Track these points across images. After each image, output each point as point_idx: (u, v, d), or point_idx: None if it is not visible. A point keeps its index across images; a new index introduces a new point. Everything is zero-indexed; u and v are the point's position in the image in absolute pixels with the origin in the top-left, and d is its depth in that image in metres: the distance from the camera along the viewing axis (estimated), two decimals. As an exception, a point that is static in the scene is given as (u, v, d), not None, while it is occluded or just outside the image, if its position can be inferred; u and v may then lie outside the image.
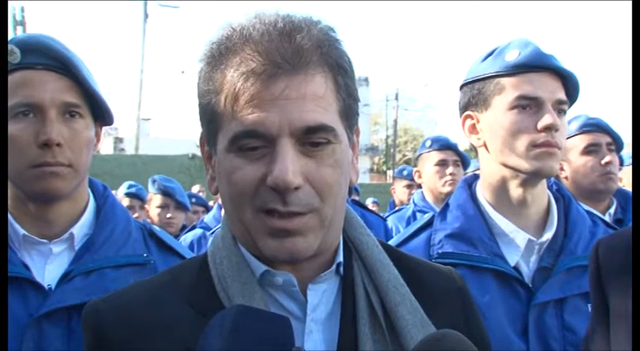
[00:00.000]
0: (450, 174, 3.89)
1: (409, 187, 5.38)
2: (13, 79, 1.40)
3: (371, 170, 48.07)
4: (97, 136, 1.53)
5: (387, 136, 52.60)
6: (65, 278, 1.43)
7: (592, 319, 1.24)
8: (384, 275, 1.03)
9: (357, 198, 6.19)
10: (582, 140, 2.76)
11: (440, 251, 1.63)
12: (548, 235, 1.62)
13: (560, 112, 1.60)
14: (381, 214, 4.26)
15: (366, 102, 42.48)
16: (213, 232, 3.88)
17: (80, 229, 1.50)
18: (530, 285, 1.59)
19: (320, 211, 0.94)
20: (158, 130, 47.35)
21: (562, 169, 2.76)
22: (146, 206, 4.60)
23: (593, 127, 2.77)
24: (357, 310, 1.00)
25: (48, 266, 1.46)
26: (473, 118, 1.69)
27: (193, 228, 4.48)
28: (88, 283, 1.43)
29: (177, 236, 4.21)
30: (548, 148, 1.56)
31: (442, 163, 3.92)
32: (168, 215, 4.46)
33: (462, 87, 1.74)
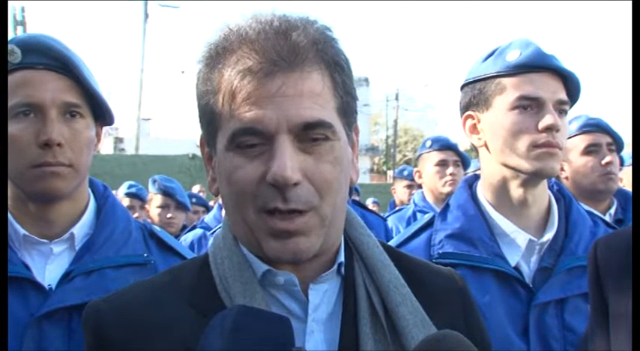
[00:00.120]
0: (451, 174, 3.89)
1: (410, 187, 5.38)
2: (13, 79, 1.40)
3: (371, 170, 48.06)
4: (98, 136, 1.53)
5: (388, 137, 52.64)
6: (66, 278, 1.43)
7: (591, 319, 1.24)
8: (385, 276, 1.03)
9: (357, 198, 6.19)
10: (583, 140, 2.76)
11: (440, 251, 1.63)
12: (548, 236, 1.62)
13: (561, 113, 1.60)
14: (382, 214, 4.26)
15: (366, 102, 42.47)
16: (213, 232, 3.88)
17: (81, 229, 1.50)
18: (531, 285, 1.59)
19: (319, 210, 0.94)
20: (158, 130, 47.34)
21: (562, 169, 2.76)
22: (146, 206, 4.60)
23: (594, 127, 2.77)
24: (358, 311, 1.00)
25: (48, 266, 1.46)
26: (474, 118, 1.69)
27: (194, 228, 4.48)
28: (89, 283, 1.43)
29: (177, 236, 4.21)
30: (549, 149, 1.56)
31: (442, 164, 3.92)
32: (169, 215, 4.47)
33: (462, 87, 1.74)
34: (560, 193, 1.74)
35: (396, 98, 47.98)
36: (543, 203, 1.67)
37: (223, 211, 4.69)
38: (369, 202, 10.63)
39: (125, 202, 4.45)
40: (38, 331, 1.37)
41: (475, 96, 1.67)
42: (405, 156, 51.42)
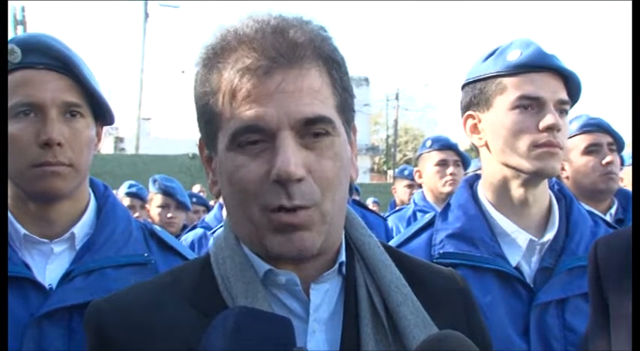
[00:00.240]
0: (451, 174, 3.89)
1: (410, 186, 5.38)
2: (13, 78, 1.40)
3: (371, 170, 48.06)
4: (98, 135, 1.53)
5: (388, 136, 52.64)
6: (66, 278, 1.43)
7: (591, 319, 1.24)
8: (387, 276, 1.03)
9: (357, 198, 6.19)
10: (583, 140, 2.76)
11: (441, 251, 1.63)
12: (549, 236, 1.62)
13: (562, 112, 1.60)
14: (382, 214, 4.26)
15: (367, 102, 42.47)
16: (214, 232, 3.88)
17: (81, 229, 1.50)
18: (532, 285, 1.59)
19: (320, 206, 0.94)
20: (158, 130, 47.32)
21: (563, 169, 2.76)
22: (147, 206, 4.60)
23: (594, 127, 2.77)
24: (359, 311, 1.00)
25: (49, 266, 1.45)
26: (474, 118, 1.69)
27: (194, 228, 4.48)
28: (89, 282, 1.43)
29: (178, 236, 4.21)
30: (550, 148, 1.56)
31: (442, 163, 3.92)
32: (169, 215, 4.46)
33: (463, 87, 1.74)
34: (560, 193, 1.73)
35: (397, 98, 47.96)
36: (544, 203, 1.67)
37: (224, 211, 4.70)
38: (370, 202, 10.62)
39: (125, 201, 4.45)
40: (38, 331, 1.37)
41: (476, 96, 1.67)
42: (405, 156, 51.42)
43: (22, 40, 1.45)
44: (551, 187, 1.73)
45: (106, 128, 1.61)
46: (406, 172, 5.56)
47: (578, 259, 1.58)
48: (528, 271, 1.61)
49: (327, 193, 0.94)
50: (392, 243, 1.68)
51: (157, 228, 1.66)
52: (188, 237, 4.05)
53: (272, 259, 0.98)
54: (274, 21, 0.95)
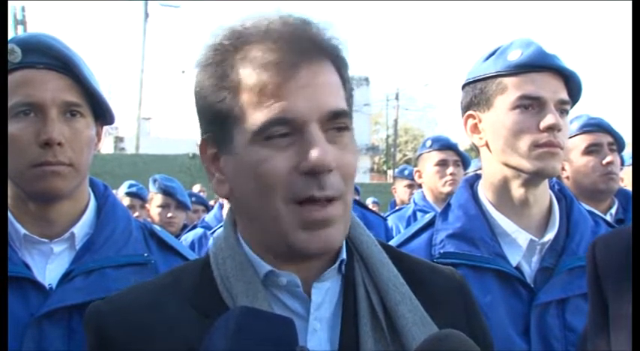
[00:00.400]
0: (451, 174, 3.89)
1: (410, 186, 5.38)
2: (13, 78, 1.40)
3: (371, 170, 48.05)
4: (98, 135, 1.53)
5: (388, 136, 52.63)
6: (66, 278, 1.43)
7: (590, 318, 1.23)
8: (384, 274, 1.03)
9: (357, 197, 6.19)
10: (583, 140, 2.76)
11: (441, 251, 1.63)
12: (550, 236, 1.62)
13: (563, 112, 1.60)
14: (382, 214, 4.26)
15: (367, 102, 42.46)
16: (213, 232, 3.88)
17: (81, 229, 1.49)
18: (532, 285, 1.59)
19: (344, 198, 0.96)
20: (159, 130, 47.32)
21: (563, 169, 2.76)
22: (147, 206, 4.60)
23: (595, 127, 2.77)
24: (358, 309, 1.00)
25: (49, 266, 1.45)
26: (475, 118, 1.68)
27: (194, 227, 4.48)
28: (89, 282, 1.43)
29: (178, 236, 4.21)
30: (551, 148, 1.56)
31: (442, 163, 3.92)
32: (169, 215, 4.46)
33: (464, 87, 1.73)
34: (561, 193, 1.73)
35: (397, 98, 47.94)
36: (544, 203, 1.67)
37: (224, 211, 4.72)
38: (369, 202, 10.61)
39: (126, 201, 4.45)
40: (38, 331, 1.37)
41: (476, 96, 1.67)
42: (405, 156, 51.38)
43: (22, 39, 1.45)
44: (552, 187, 1.73)
45: (106, 128, 1.61)
46: (406, 172, 5.56)
47: (578, 259, 1.58)
48: (529, 271, 1.61)
49: (349, 186, 0.96)
50: (392, 243, 1.68)
51: (157, 228, 1.66)
52: (188, 237, 4.06)
53: (273, 260, 0.98)
54: (292, 19, 0.97)
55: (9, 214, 1.44)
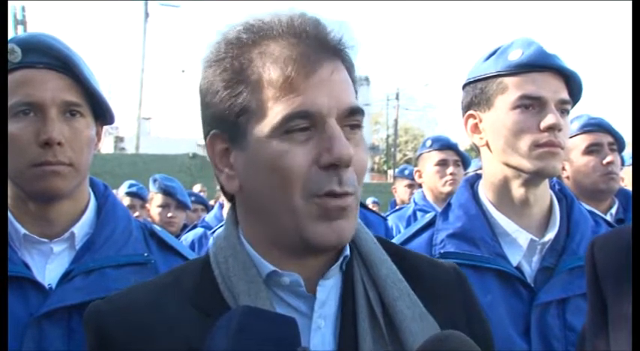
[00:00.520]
0: (451, 174, 3.89)
1: (410, 186, 5.38)
2: (13, 78, 1.40)
3: (371, 170, 48.05)
4: (98, 135, 1.53)
5: (388, 136, 52.64)
6: (66, 278, 1.43)
7: (589, 318, 1.23)
8: (383, 271, 1.04)
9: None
10: (584, 140, 2.76)
11: (442, 251, 1.63)
12: (550, 235, 1.62)
13: (563, 112, 1.60)
14: (382, 214, 4.25)
15: (367, 101, 42.47)
16: (214, 232, 3.87)
17: (81, 229, 1.49)
18: (533, 285, 1.58)
19: (357, 194, 0.97)
20: (159, 130, 47.33)
21: (563, 168, 2.76)
22: (147, 205, 4.60)
23: (595, 126, 2.77)
24: (356, 306, 1.01)
25: (48, 265, 1.45)
26: (475, 118, 1.68)
27: (194, 227, 4.48)
28: (89, 282, 1.42)
29: (178, 235, 4.21)
30: (551, 148, 1.56)
31: (442, 163, 3.92)
32: (169, 214, 4.46)
33: (464, 86, 1.73)
34: (561, 193, 1.73)
35: (397, 97, 47.93)
36: (545, 203, 1.67)
37: (224, 211, 4.69)
38: (369, 202, 10.59)
39: (126, 201, 4.45)
40: (38, 331, 1.36)
41: (477, 95, 1.67)
42: (405, 155, 51.40)
43: (22, 39, 1.45)
44: (552, 187, 1.73)
45: (106, 128, 1.61)
46: (406, 172, 5.56)
47: (579, 258, 1.58)
48: (529, 270, 1.61)
49: (360, 183, 0.98)
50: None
51: (157, 228, 1.66)
52: (188, 236, 4.06)
53: (276, 260, 0.98)
54: (309, 17, 0.98)
55: (9, 213, 1.44)
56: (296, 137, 0.94)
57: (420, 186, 4.33)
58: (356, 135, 0.97)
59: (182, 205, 4.56)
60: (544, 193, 1.66)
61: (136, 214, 4.38)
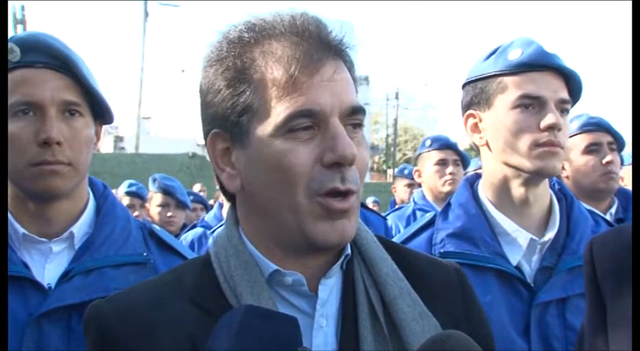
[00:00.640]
0: (450, 173, 3.89)
1: (410, 186, 5.38)
2: (12, 77, 1.39)
3: (371, 169, 48.05)
4: (97, 134, 1.53)
5: (388, 135, 52.62)
6: (65, 277, 1.43)
7: (587, 317, 1.23)
8: (383, 269, 1.04)
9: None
10: (583, 139, 2.76)
11: (442, 250, 1.63)
12: (550, 235, 1.62)
13: (563, 112, 1.60)
14: (382, 214, 4.25)
15: (367, 101, 42.43)
16: (213, 231, 3.87)
17: (80, 228, 1.49)
18: (532, 284, 1.58)
19: (359, 192, 0.97)
20: (158, 129, 47.32)
21: (563, 168, 2.76)
22: (146, 205, 4.60)
23: (595, 126, 2.77)
24: (357, 305, 1.01)
25: (48, 265, 1.45)
26: (475, 117, 1.68)
27: (194, 227, 4.47)
28: (88, 282, 1.42)
29: (177, 235, 4.21)
30: (551, 148, 1.56)
31: (442, 163, 3.92)
32: (169, 214, 4.46)
33: (464, 86, 1.73)
34: (561, 193, 1.73)
35: (396, 97, 47.93)
36: (545, 202, 1.67)
37: (223, 210, 4.69)
38: (370, 202, 10.59)
39: (125, 200, 4.45)
40: (37, 331, 1.36)
41: (476, 95, 1.67)
42: (405, 155, 51.41)
43: (21, 39, 1.45)
44: (552, 187, 1.73)
45: (105, 127, 1.61)
46: (406, 172, 5.56)
47: (578, 258, 1.57)
48: (529, 270, 1.61)
49: (362, 181, 0.98)
50: (392, 242, 1.68)
51: (157, 227, 1.66)
52: (188, 236, 4.05)
53: (278, 260, 0.98)
54: (310, 16, 0.99)
55: (8, 213, 1.44)
56: (299, 136, 0.94)
57: (419, 185, 4.33)
58: (358, 134, 0.98)
59: (182, 205, 4.55)
60: (544, 192, 1.66)
61: (136, 213, 4.38)
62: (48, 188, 1.40)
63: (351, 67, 1.01)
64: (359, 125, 0.99)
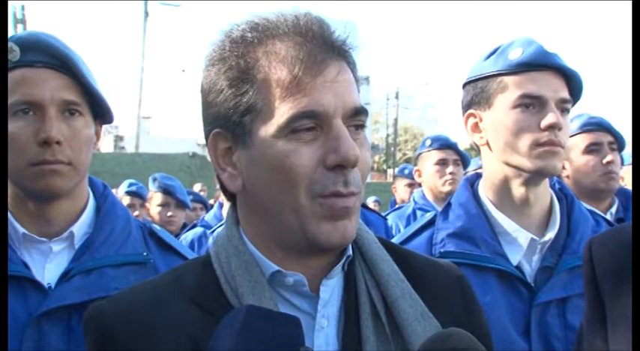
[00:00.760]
0: (450, 173, 3.89)
1: (410, 185, 5.38)
2: (12, 77, 1.39)
3: (371, 169, 48.00)
4: (97, 134, 1.53)
5: (388, 135, 52.66)
6: (65, 277, 1.43)
7: (586, 317, 1.23)
8: (384, 270, 1.04)
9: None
10: (584, 139, 2.75)
11: (442, 250, 1.63)
12: (550, 235, 1.62)
13: (564, 111, 1.60)
14: (382, 213, 4.25)
15: (367, 101, 42.41)
16: (213, 231, 3.87)
17: (80, 228, 1.49)
18: (533, 284, 1.58)
19: (360, 194, 0.97)
20: (158, 129, 47.35)
21: (563, 168, 2.75)
22: (147, 204, 4.59)
23: (595, 126, 2.77)
24: (359, 305, 1.01)
25: (48, 265, 1.45)
26: (476, 117, 1.68)
27: (194, 226, 4.47)
28: (88, 282, 1.42)
29: (177, 235, 4.21)
30: (552, 147, 1.56)
31: (442, 163, 3.92)
32: (169, 214, 4.46)
33: (464, 85, 1.73)
34: (562, 192, 1.73)
35: (397, 97, 47.94)
36: (545, 202, 1.66)
37: (223, 210, 4.68)
38: (370, 201, 10.58)
39: (125, 200, 4.45)
40: (37, 331, 1.36)
41: (477, 94, 1.67)
42: (405, 155, 51.43)
43: (21, 38, 1.44)
44: (552, 186, 1.73)
45: (105, 127, 1.61)
46: (406, 171, 5.56)
47: (579, 258, 1.56)
48: (529, 270, 1.61)
49: (364, 183, 0.98)
50: (393, 241, 1.68)
51: (157, 227, 1.66)
52: (188, 236, 4.05)
53: (279, 260, 0.98)
54: (314, 16, 0.98)
55: (8, 213, 1.44)
56: (302, 137, 0.94)
57: (420, 185, 4.33)
58: (360, 135, 0.98)
59: (182, 205, 4.55)
60: (544, 192, 1.66)
61: (136, 213, 4.38)
62: (48, 188, 1.40)
63: (353, 68, 1.01)
64: (361, 126, 0.98)
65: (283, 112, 0.93)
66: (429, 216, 1.78)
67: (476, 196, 1.72)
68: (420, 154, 4.11)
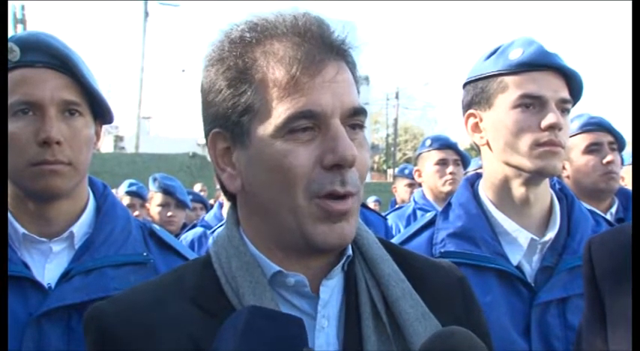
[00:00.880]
0: (450, 173, 3.89)
1: (410, 185, 5.38)
2: (12, 77, 1.39)
3: (371, 169, 48.01)
4: (97, 134, 1.53)
5: (388, 135, 52.65)
6: (65, 277, 1.43)
7: (586, 317, 1.23)
8: (385, 270, 1.04)
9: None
10: (584, 139, 2.75)
11: (442, 250, 1.63)
12: (550, 235, 1.62)
13: (564, 111, 1.60)
14: (382, 213, 4.25)
15: (367, 101, 42.44)
16: (213, 231, 3.87)
17: (80, 228, 1.49)
18: (533, 284, 1.58)
19: (359, 194, 0.97)
20: (158, 129, 47.37)
21: (564, 168, 2.75)
22: (147, 205, 4.59)
23: (595, 126, 2.77)
24: (360, 306, 1.01)
25: (48, 265, 1.45)
26: (476, 117, 1.68)
27: (194, 226, 4.47)
28: (88, 282, 1.42)
29: (177, 235, 4.20)
30: (552, 147, 1.56)
31: (442, 163, 3.92)
32: (169, 214, 4.46)
33: (465, 85, 1.73)
34: (562, 192, 1.73)
35: (397, 97, 47.94)
36: (545, 202, 1.66)
37: (223, 210, 4.68)
38: (371, 201, 10.58)
39: (126, 200, 4.45)
40: (37, 331, 1.36)
41: (477, 94, 1.67)
42: (405, 155, 51.41)
43: (21, 38, 1.44)
44: (553, 187, 1.73)
45: (105, 127, 1.61)
46: (406, 172, 5.56)
47: (579, 258, 1.56)
48: (529, 270, 1.61)
49: (362, 183, 0.98)
50: (393, 241, 1.67)
51: (157, 227, 1.66)
52: (188, 236, 4.05)
53: (280, 260, 0.98)
54: (312, 16, 0.98)
55: (8, 213, 1.44)
56: (300, 137, 0.94)
57: (420, 185, 4.33)
58: (359, 135, 0.98)
59: (182, 205, 4.55)
60: (544, 192, 1.66)
61: (136, 213, 4.38)
62: (48, 188, 1.40)
63: (353, 68, 1.01)
64: (360, 126, 0.98)
65: (281, 112, 0.93)
66: (429, 216, 1.78)
67: (476, 196, 1.72)
68: (420, 154, 4.11)
